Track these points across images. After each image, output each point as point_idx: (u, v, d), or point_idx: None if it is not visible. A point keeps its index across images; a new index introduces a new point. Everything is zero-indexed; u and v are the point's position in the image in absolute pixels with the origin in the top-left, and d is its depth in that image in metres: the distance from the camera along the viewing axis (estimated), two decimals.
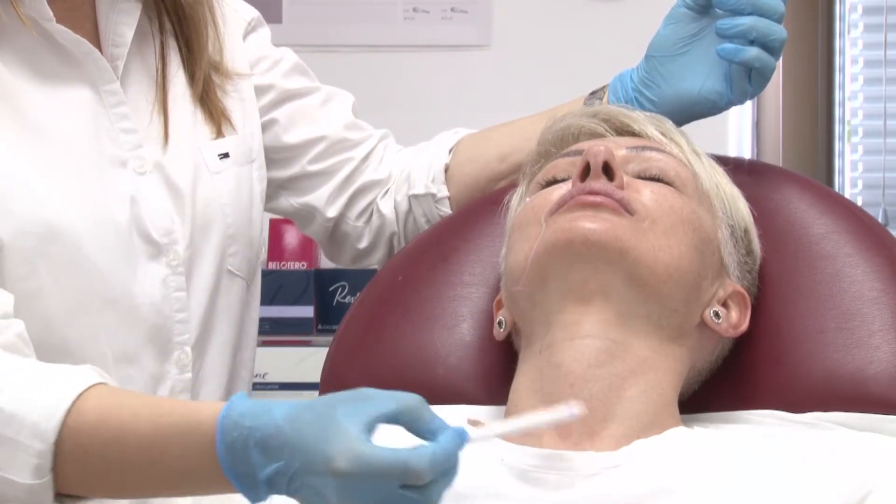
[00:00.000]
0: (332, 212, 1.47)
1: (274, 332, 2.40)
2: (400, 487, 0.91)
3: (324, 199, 1.47)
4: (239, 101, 1.38)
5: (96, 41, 1.29)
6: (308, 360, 2.32)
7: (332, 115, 1.47)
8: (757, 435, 1.15)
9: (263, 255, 1.77)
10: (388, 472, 0.91)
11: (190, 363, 1.30)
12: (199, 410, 1.00)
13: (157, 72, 1.32)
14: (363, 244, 1.48)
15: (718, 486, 1.06)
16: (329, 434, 0.93)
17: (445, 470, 0.93)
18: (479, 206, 1.37)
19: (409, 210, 1.46)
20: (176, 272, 1.28)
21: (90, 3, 1.30)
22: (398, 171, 1.48)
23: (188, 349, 1.30)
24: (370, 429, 0.93)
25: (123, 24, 1.30)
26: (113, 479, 1.04)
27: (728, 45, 1.27)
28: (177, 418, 1.01)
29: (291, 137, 1.45)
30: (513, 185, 1.32)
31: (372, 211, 1.48)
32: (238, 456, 0.96)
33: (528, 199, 1.22)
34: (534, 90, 2.60)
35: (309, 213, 1.48)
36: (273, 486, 0.94)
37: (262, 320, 2.46)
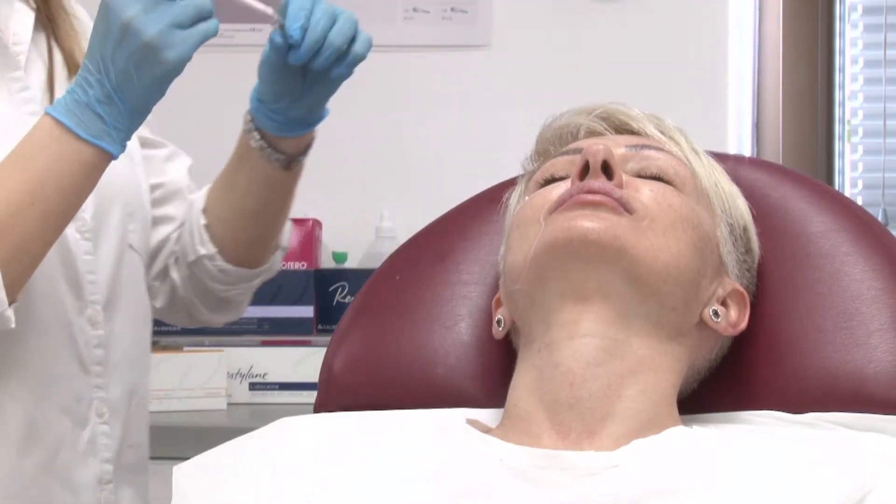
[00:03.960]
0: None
1: (274, 332, 2.40)
2: None
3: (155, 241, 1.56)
4: None
5: None
6: (308, 360, 2.32)
7: (175, 171, 1.57)
8: (757, 435, 1.15)
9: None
10: None
11: (102, 321, 1.42)
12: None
13: (47, 65, 1.42)
14: (158, 304, 1.56)
15: (718, 485, 1.06)
16: None
17: None
18: (477, 205, 1.37)
19: (191, 274, 1.53)
20: (84, 237, 1.40)
21: None
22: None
23: (99, 308, 1.42)
24: None
25: (21, 21, 1.40)
26: None
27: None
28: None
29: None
30: (511, 183, 1.32)
31: (167, 272, 1.55)
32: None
33: (526, 197, 1.22)
34: (534, 90, 2.59)
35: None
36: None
37: (262, 320, 2.46)
